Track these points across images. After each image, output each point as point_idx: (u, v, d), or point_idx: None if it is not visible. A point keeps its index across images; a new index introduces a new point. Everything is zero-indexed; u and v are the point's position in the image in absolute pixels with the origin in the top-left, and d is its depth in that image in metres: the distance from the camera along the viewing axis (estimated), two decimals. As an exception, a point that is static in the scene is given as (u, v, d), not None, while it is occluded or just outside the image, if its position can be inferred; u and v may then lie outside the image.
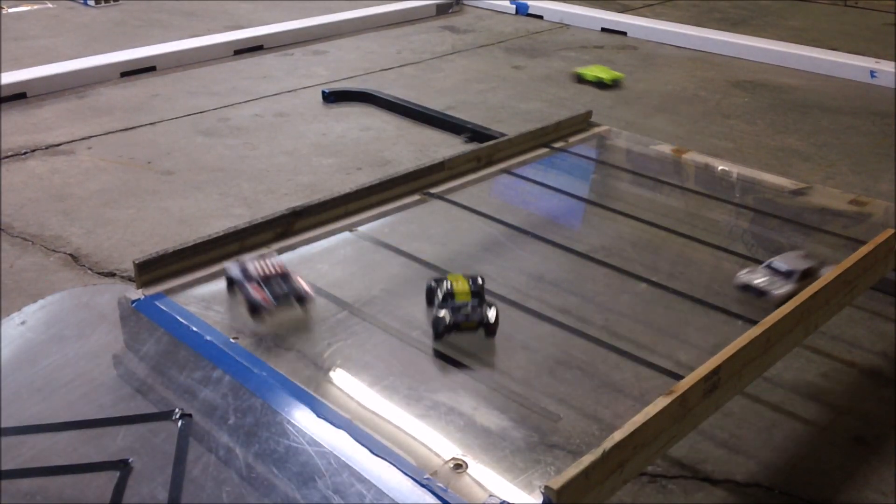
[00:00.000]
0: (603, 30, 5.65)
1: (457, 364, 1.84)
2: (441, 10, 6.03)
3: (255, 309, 1.89)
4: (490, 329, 1.86)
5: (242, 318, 1.91)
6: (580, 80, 4.58)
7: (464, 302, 1.86)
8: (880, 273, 2.21)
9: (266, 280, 1.93)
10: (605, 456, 1.38)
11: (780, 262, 2.15)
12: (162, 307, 1.88)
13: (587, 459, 1.35)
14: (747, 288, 2.13)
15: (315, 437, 1.52)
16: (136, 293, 1.92)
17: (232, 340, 1.79)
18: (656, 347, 2.11)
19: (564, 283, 2.34)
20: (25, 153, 3.54)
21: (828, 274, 1.96)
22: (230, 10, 5.93)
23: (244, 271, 1.95)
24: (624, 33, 5.57)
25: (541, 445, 1.72)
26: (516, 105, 4.24)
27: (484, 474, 1.47)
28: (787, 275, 2.11)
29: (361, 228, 2.31)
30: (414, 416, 1.65)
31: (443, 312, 1.84)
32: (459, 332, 1.85)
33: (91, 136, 3.73)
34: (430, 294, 1.96)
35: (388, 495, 1.40)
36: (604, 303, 2.25)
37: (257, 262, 1.98)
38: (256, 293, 1.90)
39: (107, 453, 1.57)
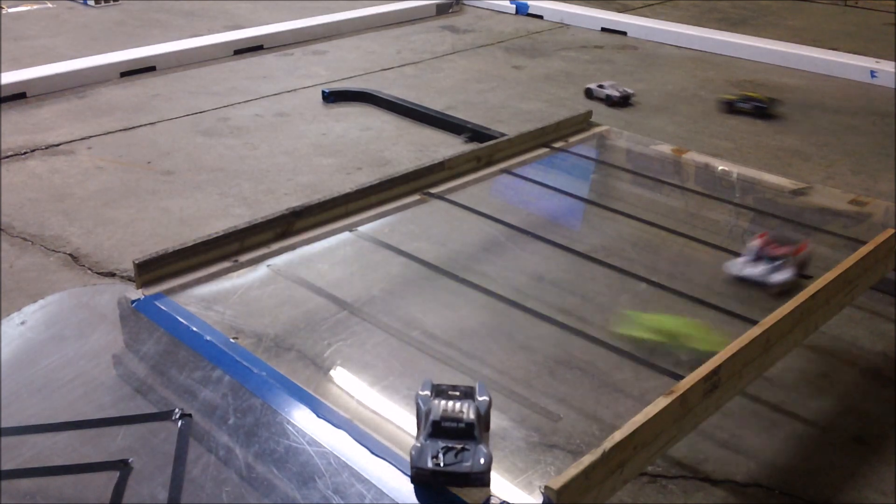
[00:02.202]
0: (603, 30, 5.65)
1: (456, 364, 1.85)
2: (441, 10, 6.03)
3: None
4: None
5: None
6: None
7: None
8: (880, 273, 2.20)
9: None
10: (605, 456, 1.37)
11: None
12: (162, 307, 1.88)
13: (587, 459, 1.35)
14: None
15: (315, 437, 1.52)
16: (135, 293, 1.92)
17: (232, 340, 1.79)
18: (656, 347, 2.11)
19: (564, 283, 2.34)
20: (25, 153, 3.54)
21: (828, 274, 1.96)
22: (230, 9, 5.93)
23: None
24: (624, 33, 5.57)
25: (541, 445, 1.72)
26: (516, 105, 4.24)
27: (484, 474, 1.47)
28: None
29: (361, 228, 2.31)
30: (414, 416, 1.65)
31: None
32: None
33: (91, 136, 3.72)
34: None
35: (388, 495, 1.40)
36: (604, 303, 2.25)
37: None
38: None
39: (107, 453, 1.56)
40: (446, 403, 1.45)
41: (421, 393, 1.48)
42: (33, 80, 4.21)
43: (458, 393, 1.48)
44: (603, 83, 4.34)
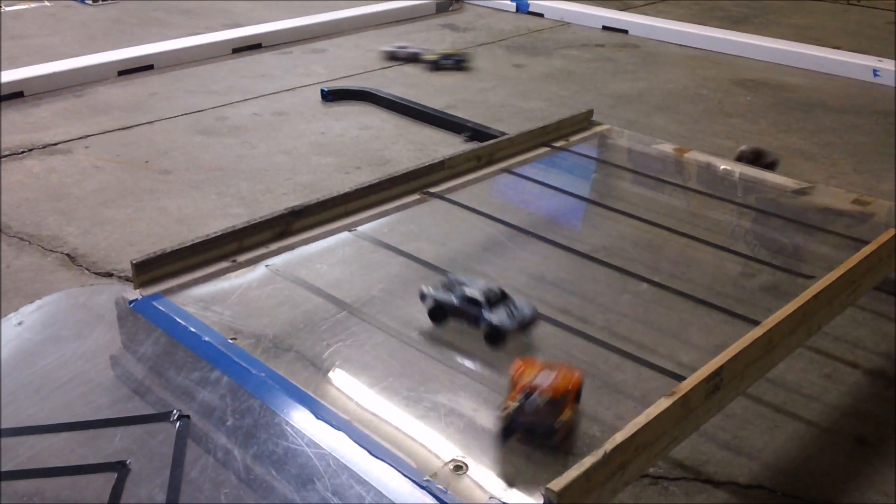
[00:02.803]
0: (604, 28, 5.63)
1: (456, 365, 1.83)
2: (441, 8, 6.02)
3: None
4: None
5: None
6: None
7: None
8: (883, 273, 2.19)
9: None
10: (607, 458, 1.36)
11: None
12: (159, 307, 1.87)
13: (588, 461, 1.34)
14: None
15: (314, 438, 1.51)
16: (133, 293, 1.91)
17: (230, 341, 1.78)
18: (658, 348, 2.10)
19: (565, 283, 2.33)
20: (22, 152, 3.52)
21: (831, 274, 1.94)
22: (229, 7, 5.91)
23: None
24: (625, 31, 5.56)
25: (542, 447, 1.71)
26: (517, 104, 4.22)
27: (484, 476, 1.46)
28: None
29: (361, 228, 2.30)
30: (413, 418, 1.64)
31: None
32: None
33: (88, 136, 3.71)
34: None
35: (387, 497, 1.39)
36: (605, 303, 2.24)
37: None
38: None
39: (104, 455, 1.56)
40: (471, 289, 1.86)
41: (440, 296, 1.87)
42: (31, 78, 4.19)
43: (457, 282, 1.90)
44: (402, 44, 4.96)
